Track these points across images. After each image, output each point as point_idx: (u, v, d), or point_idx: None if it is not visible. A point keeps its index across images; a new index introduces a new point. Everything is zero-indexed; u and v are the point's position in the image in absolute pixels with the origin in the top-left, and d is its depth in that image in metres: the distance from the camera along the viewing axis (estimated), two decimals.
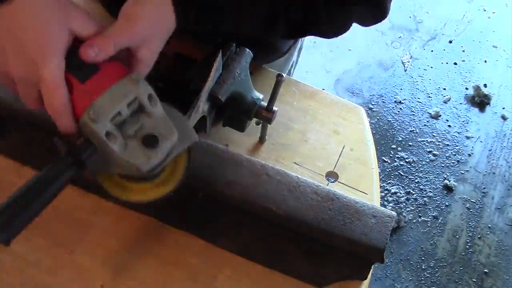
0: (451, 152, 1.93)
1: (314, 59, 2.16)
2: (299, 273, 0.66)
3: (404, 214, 1.77)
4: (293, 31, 0.69)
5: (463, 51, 2.25)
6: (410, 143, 1.94)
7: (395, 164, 1.88)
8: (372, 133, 0.82)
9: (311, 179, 0.68)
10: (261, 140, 0.77)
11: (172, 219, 0.68)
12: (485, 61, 2.23)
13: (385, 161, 1.89)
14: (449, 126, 2.00)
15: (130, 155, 0.49)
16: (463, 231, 1.76)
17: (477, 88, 2.10)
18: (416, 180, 1.85)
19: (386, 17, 0.69)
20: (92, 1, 0.88)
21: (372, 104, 2.04)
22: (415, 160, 1.90)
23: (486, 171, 1.90)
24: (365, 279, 0.66)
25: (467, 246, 1.73)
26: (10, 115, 0.73)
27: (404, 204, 1.80)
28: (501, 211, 1.81)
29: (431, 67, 2.19)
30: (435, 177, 1.86)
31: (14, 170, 0.71)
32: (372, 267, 0.67)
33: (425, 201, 1.81)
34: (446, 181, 1.85)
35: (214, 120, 0.77)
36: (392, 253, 1.69)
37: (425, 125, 2.00)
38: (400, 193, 1.82)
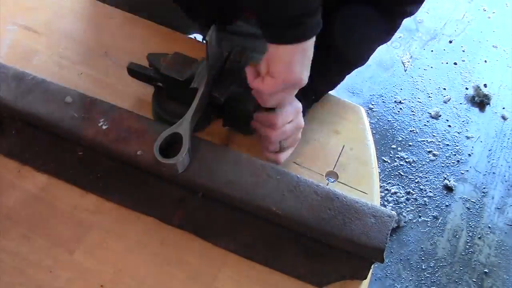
0: (451, 152, 1.93)
1: None
2: (299, 273, 0.66)
3: (404, 214, 1.77)
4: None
5: (463, 51, 2.25)
6: (410, 143, 1.94)
7: (395, 164, 1.88)
8: (372, 133, 0.81)
9: (311, 179, 0.68)
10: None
11: (172, 219, 0.68)
12: (485, 61, 2.22)
13: (385, 161, 1.89)
14: (449, 126, 2.00)
15: None
16: (463, 231, 1.76)
17: (477, 88, 2.10)
18: (416, 180, 1.85)
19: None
20: None
21: (372, 104, 2.04)
22: (415, 160, 1.90)
23: (486, 171, 1.90)
24: (365, 279, 0.66)
25: (467, 246, 1.73)
26: (10, 115, 0.73)
27: (404, 204, 1.80)
28: (501, 211, 1.81)
29: (431, 67, 2.18)
30: (435, 177, 1.86)
31: (14, 170, 0.71)
32: (372, 267, 0.67)
33: (425, 201, 1.81)
34: (446, 181, 1.85)
35: (215, 119, 0.77)
36: (392, 253, 1.69)
37: (425, 125, 1.99)
38: (400, 193, 1.81)
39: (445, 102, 2.07)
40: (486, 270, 1.68)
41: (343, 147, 0.78)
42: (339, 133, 0.79)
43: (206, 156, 0.68)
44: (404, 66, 2.18)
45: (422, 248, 1.71)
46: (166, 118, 0.73)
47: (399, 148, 1.92)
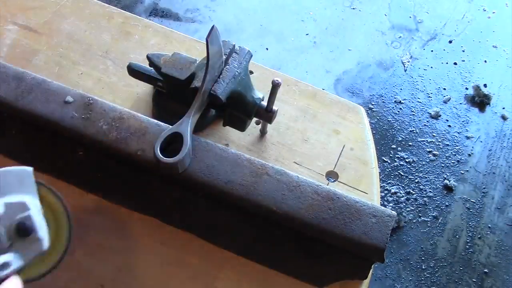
0: (451, 152, 1.93)
1: (314, 59, 2.16)
2: (299, 273, 0.66)
3: (404, 214, 1.77)
4: None
5: (463, 51, 2.25)
6: (410, 143, 1.94)
7: (395, 164, 1.88)
8: (372, 133, 0.81)
9: (311, 179, 0.68)
10: (262, 133, 0.77)
11: (172, 219, 0.68)
12: (485, 61, 2.22)
13: (385, 161, 1.89)
14: (449, 126, 2.00)
15: None
16: (463, 231, 1.76)
17: (477, 88, 2.10)
18: (416, 180, 1.85)
19: None
20: None
21: (372, 104, 2.04)
22: (415, 160, 1.90)
23: (486, 171, 1.90)
24: (365, 279, 0.66)
25: (467, 246, 1.73)
26: (10, 115, 0.73)
27: (404, 204, 1.80)
28: (501, 211, 1.81)
29: (431, 67, 2.18)
30: (435, 177, 1.86)
31: None
32: (372, 267, 0.67)
33: (425, 201, 1.81)
34: (446, 181, 1.85)
35: (215, 119, 0.77)
36: (392, 253, 1.69)
37: (425, 125, 1.99)
38: (400, 193, 1.82)
39: (445, 102, 2.07)
40: (486, 270, 1.68)
41: (343, 147, 0.78)
42: (339, 133, 0.79)
43: (206, 156, 0.68)
44: (404, 66, 2.18)
45: (422, 248, 1.71)
46: (166, 118, 0.73)
47: (399, 148, 1.92)
